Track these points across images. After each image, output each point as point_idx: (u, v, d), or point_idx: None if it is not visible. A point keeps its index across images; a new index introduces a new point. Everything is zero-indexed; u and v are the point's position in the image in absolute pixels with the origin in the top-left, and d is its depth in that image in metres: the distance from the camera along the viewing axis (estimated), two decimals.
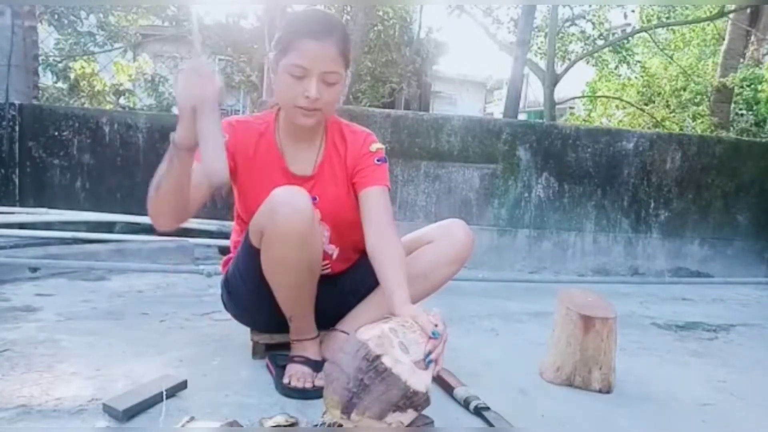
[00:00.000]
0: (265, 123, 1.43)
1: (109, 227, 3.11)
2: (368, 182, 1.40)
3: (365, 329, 1.03)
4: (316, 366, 1.37)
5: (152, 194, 1.20)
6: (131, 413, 1.16)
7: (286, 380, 1.34)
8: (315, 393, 1.27)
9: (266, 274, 1.33)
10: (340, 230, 1.46)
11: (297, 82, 1.27)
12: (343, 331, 1.47)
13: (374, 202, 1.38)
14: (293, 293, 1.36)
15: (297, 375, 1.35)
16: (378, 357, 0.96)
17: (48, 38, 6.59)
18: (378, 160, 1.43)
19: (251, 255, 1.34)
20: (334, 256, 1.50)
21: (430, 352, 1.04)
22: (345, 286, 1.51)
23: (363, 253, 1.51)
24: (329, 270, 1.50)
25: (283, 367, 1.40)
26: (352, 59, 1.38)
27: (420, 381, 0.98)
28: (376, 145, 1.45)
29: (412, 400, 0.98)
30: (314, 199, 1.39)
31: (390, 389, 0.96)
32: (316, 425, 1.10)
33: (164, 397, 1.22)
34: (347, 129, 1.48)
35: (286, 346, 1.50)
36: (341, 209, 1.43)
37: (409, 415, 1.00)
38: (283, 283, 1.34)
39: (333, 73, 1.28)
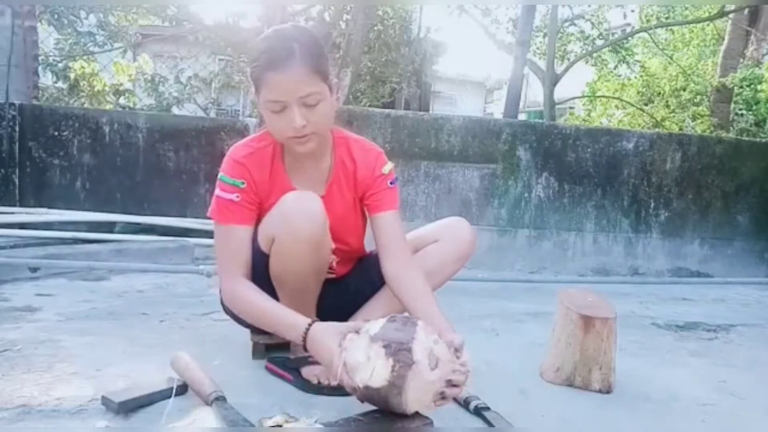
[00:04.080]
0: (272, 145, 1.38)
1: (109, 227, 3.11)
2: (383, 207, 1.41)
3: (422, 329, 1.08)
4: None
5: (241, 312, 1.35)
6: (128, 407, 1.16)
7: (315, 381, 1.33)
8: (344, 391, 1.27)
9: (274, 279, 1.33)
10: (342, 243, 1.46)
11: (279, 115, 1.23)
12: None
13: (389, 227, 1.40)
14: (299, 297, 1.36)
15: (323, 375, 1.32)
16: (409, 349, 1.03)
17: (48, 38, 6.58)
18: (390, 183, 1.43)
19: (258, 260, 1.34)
20: (334, 264, 1.50)
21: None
22: (350, 286, 1.52)
23: (363, 255, 1.55)
24: (334, 274, 1.51)
25: (296, 370, 1.38)
26: (331, 69, 1.34)
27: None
28: (388, 167, 1.43)
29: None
30: None
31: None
32: (313, 425, 1.10)
33: (173, 392, 1.22)
34: (356, 146, 1.43)
35: (286, 346, 1.50)
36: (346, 226, 1.45)
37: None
38: (291, 288, 1.35)
39: (311, 95, 1.22)
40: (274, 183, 1.37)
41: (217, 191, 1.34)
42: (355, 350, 1.07)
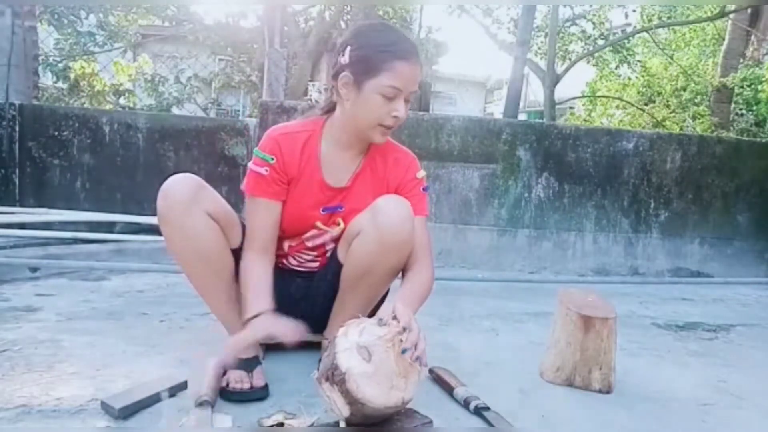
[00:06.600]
0: (310, 132, 1.43)
1: (109, 227, 3.11)
2: (413, 210, 1.37)
3: (344, 335, 1.07)
4: (248, 365, 1.34)
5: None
6: (128, 411, 1.16)
7: (224, 383, 1.29)
8: (254, 394, 1.28)
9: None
10: None
11: (387, 102, 1.30)
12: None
13: (416, 231, 1.36)
14: (201, 290, 1.41)
15: (234, 377, 1.31)
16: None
17: (48, 38, 6.59)
18: (423, 189, 1.47)
19: None
20: (328, 252, 1.52)
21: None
22: (321, 286, 1.52)
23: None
24: (317, 264, 1.53)
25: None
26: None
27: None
28: (422, 173, 1.49)
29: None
30: (339, 207, 1.44)
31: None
32: (312, 424, 1.10)
33: (167, 395, 1.22)
34: (392, 147, 1.50)
35: (286, 346, 1.49)
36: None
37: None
38: (189, 275, 1.39)
39: (414, 92, 1.33)
40: (304, 167, 1.41)
41: (250, 164, 1.41)
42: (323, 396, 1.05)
